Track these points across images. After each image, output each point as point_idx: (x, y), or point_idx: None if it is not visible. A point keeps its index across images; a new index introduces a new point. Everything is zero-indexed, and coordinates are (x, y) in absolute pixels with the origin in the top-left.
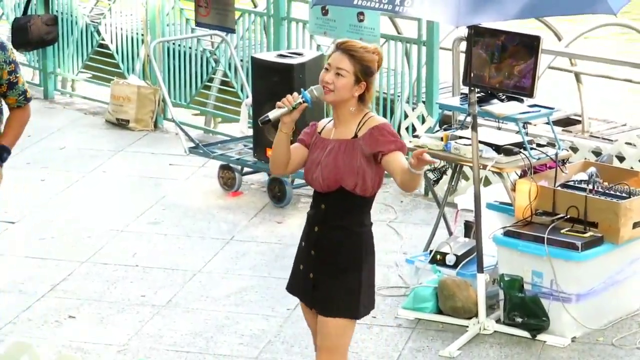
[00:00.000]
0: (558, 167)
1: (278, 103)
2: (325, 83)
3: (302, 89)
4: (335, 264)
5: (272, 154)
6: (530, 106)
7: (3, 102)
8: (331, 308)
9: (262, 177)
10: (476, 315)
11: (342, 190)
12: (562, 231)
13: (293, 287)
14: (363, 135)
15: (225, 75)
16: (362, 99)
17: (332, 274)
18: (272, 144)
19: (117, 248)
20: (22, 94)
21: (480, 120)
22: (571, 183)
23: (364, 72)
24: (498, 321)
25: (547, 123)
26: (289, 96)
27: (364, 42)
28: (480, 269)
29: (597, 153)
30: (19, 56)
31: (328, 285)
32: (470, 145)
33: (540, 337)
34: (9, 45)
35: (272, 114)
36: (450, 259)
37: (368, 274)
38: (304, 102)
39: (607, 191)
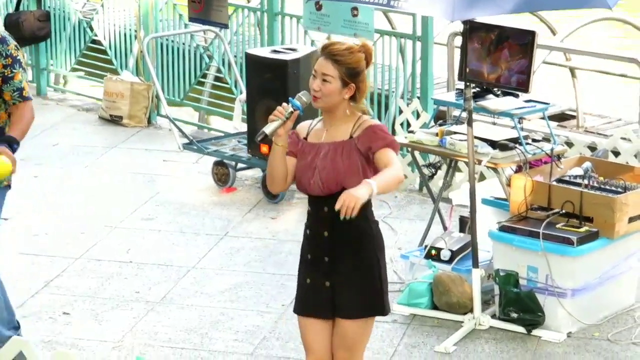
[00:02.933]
0: (553, 162)
1: (270, 117)
2: (314, 91)
3: (289, 98)
4: (353, 264)
5: (270, 171)
6: (526, 101)
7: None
8: (359, 308)
9: (256, 173)
10: (471, 310)
11: (343, 191)
12: (557, 226)
13: (305, 306)
14: (358, 136)
15: (218, 71)
16: (353, 98)
17: (353, 274)
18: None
19: (111, 244)
20: (17, 90)
21: (475, 116)
22: (566, 178)
23: (350, 74)
24: (493, 316)
25: (543, 118)
26: (279, 107)
27: (358, 37)
28: (476, 264)
29: (592, 148)
30: None
31: (351, 286)
32: (465, 140)
33: (535, 332)
34: (12, 41)
35: (268, 129)
36: (445, 254)
37: (385, 270)
38: (295, 110)
39: (602, 186)
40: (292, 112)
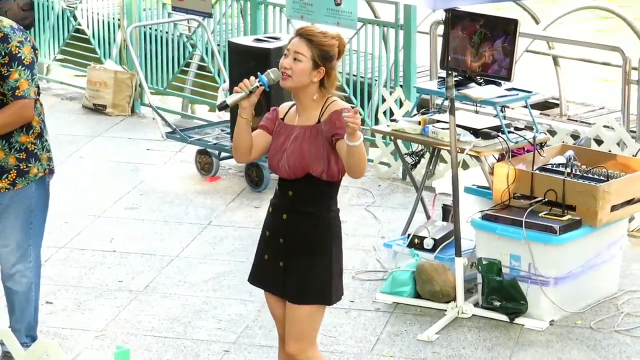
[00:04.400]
0: (536, 151)
1: (235, 88)
2: (284, 69)
3: (258, 73)
4: (305, 251)
5: (234, 141)
6: (508, 89)
7: None
8: (305, 295)
9: None
10: (454, 299)
11: (309, 177)
12: (540, 215)
13: (258, 278)
14: (324, 120)
15: (202, 60)
16: (322, 84)
17: (303, 261)
18: None
19: (94, 233)
20: (11, 90)
21: (457, 104)
22: (549, 166)
23: (322, 56)
24: (476, 305)
25: (525, 106)
26: (245, 80)
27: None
28: (459, 253)
29: (575, 136)
30: None
31: (300, 272)
32: (448, 129)
33: (518, 320)
34: (16, 38)
35: (230, 99)
36: (428, 243)
37: (337, 260)
38: (260, 85)
39: (585, 174)
40: (257, 87)
